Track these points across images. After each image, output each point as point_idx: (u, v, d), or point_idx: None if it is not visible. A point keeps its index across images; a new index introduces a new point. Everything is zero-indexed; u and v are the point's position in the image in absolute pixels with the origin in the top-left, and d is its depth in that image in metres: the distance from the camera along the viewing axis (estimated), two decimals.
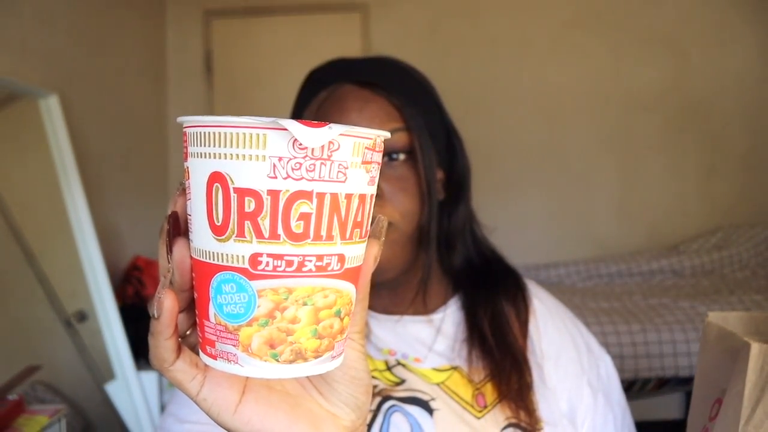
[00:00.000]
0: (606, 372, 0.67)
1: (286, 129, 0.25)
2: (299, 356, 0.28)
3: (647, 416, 2.23)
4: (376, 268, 0.58)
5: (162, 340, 0.30)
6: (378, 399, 0.58)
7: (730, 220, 2.77)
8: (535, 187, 2.87)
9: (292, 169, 0.26)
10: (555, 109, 2.88)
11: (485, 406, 0.59)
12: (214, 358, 0.29)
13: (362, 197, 0.29)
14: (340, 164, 0.27)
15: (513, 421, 0.58)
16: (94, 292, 1.80)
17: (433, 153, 0.62)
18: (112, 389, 1.78)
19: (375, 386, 0.59)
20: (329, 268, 0.28)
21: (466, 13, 2.88)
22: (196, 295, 0.30)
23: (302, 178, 0.26)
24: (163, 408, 1.83)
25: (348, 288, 0.30)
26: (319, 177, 0.26)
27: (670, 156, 2.85)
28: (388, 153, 0.60)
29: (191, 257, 0.29)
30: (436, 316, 0.67)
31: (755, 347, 0.40)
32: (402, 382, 0.60)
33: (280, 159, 0.26)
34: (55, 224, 1.80)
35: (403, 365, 0.62)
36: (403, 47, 2.72)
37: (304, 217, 0.26)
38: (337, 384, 0.34)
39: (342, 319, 0.30)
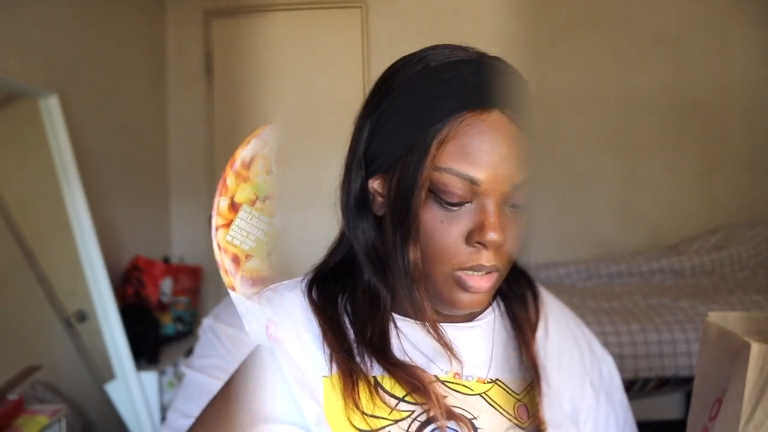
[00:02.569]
0: (608, 372, 0.67)
1: None
2: None
3: (647, 416, 2.22)
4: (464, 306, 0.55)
5: None
6: (417, 424, 0.54)
7: (730, 220, 2.77)
8: (534, 187, 2.86)
9: None
10: (555, 109, 2.87)
11: (528, 417, 0.57)
12: None
13: None
14: None
15: (515, 422, 0.57)
16: (94, 292, 1.79)
17: None
18: (112, 389, 1.78)
19: (412, 412, 0.55)
20: None
21: (465, 10, 2.87)
22: None
23: None
24: (162, 408, 1.84)
25: None
26: None
27: (670, 156, 2.85)
28: (514, 204, 0.57)
29: None
30: (478, 324, 0.62)
31: (755, 347, 0.40)
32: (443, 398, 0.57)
33: None
34: (55, 224, 1.80)
35: (443, 381, 0.58)
36: (402, 44, 2.67)
37: None
38: None
39: None
